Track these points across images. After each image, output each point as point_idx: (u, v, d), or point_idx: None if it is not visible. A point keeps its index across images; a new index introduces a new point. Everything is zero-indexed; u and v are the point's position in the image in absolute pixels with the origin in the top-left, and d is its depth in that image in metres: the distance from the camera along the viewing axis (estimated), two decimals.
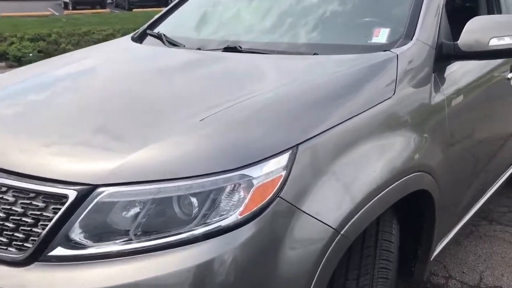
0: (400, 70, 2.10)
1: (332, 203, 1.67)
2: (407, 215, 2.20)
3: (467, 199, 2.83)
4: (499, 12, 3.16)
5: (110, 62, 2.77)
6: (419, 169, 2.05)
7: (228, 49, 2.53)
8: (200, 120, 1.73)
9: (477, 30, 2.32)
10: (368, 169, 1.80)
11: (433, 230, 2.27)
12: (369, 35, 2.37)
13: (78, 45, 11.32)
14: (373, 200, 1.78)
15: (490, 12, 3.17)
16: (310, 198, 1.63)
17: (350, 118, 1.83)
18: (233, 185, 1.56)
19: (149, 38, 3.06)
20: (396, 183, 1.89)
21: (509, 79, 3.04)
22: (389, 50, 2.21)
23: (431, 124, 2.21)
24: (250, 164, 1.58)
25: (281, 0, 2.87)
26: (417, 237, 2.30)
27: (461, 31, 2.33)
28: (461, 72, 2.53)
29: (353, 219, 1.70)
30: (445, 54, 2.36)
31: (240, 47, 2.48)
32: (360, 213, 1.73)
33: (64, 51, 10.13)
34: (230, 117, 1.76)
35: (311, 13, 2.66)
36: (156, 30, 3.11)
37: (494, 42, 2.30)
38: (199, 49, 2.64)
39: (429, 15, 2.37)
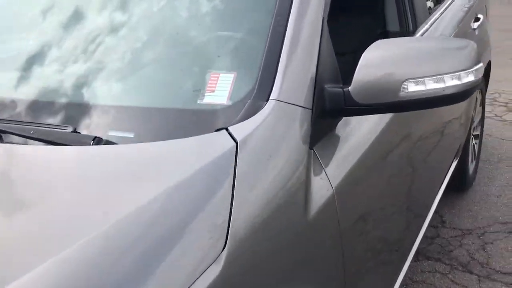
0: (239, 183, 1.11)
1: None
2: None
3: None
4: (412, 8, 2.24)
5: None
6: None
7: None
8: None
9: (380, 67, 1.36)
10: None
11: None
12: (201, 88, 1.36)
13: None
14: None
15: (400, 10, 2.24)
16: None
17: None
18: None
19: None
20: None
21: None
22: (226, 130, 1.22)
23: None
24: None
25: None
26: None
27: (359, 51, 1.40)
28: (363, 132, 1.59)
29: None
30: (330, 112, 1.41)
31: None
32: None
33: None
34: None
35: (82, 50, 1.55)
36: None
37: (412, 88, 1.36)
38: None
39: (300, 50, 1.39)
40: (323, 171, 1.35)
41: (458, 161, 3.19)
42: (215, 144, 1.16)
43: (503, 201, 3.51)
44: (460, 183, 3.50)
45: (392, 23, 2.32)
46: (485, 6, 3.56)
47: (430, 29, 2.34)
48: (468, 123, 3.24)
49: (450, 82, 1.35)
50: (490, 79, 3.94)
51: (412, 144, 2.11)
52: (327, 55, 1.46)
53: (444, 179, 2.93)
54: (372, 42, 2.40)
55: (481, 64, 1.39)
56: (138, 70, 1.45)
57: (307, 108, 1.33)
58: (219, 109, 1.29)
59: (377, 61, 1.37)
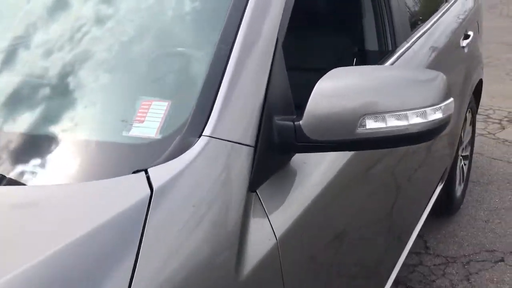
0: (148, 242, 0.92)
1: None
2: None
3: None
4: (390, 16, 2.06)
5: None
6: None
7: None
8: None
9: (335, 99, 1.19)
10: None
11: None
12: (129, 117, 1.18)
13: None
14: None
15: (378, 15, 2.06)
16: None
17: None
18: None
19: None
20: None
21: None
22: (145, 172, 1.04)
23: None
24: None
25: None
26: None
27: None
28: (324, 164, 1.41)
29: None
30: (279, 148, 1.23)
31: None
32: None
33: None
34: None
35: None
36: None
37: (371, 125, 1.19)
38: None
39: (245, 76, 1.21)
40: (266, 217, 1.18)
41: (444, 184, 3.02)
42: (129, 190, 0.99)
43: (491, 227, 3.33)
44: (446, 207, 3.32)
45: (371, 41, 2.15)
46: (477, 21, 3.38)
47: (412, 48, 2.17)
48: (455, 144, 3.07)
49: (415, 120, 1.18)
50: (485, 95, 3.77)
51: (388, 168, 1.94)
52: (279, 82, 1.29)
53: (427, 203, 2.76)
54: (349, 61, 2.23)
55: (451, 100, 1.22)
56: (62, 93, 1.27)
57: (248, 146, 1.16)
58: (143, 145, 1.12)
59: (332, 92, 1.19)
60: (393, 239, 2.19)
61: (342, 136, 1.20)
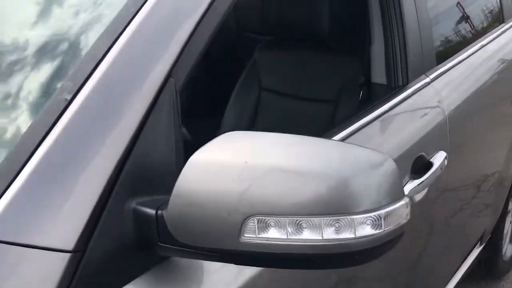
0: None
1: None
2: None
3: None
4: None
5: None
6: None
7: None
8: None
9: (212, 185, 0.75)
10: None
11: None
12: None
13: None
14: None
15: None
16: None
17: None
18: None
19: None
20: None
21: None
22: None
23: None
24: None
25: None
26: None
27: None
28: None
29: None
30: (137, 246, 0.82)
31: None
32: None
33: None
34: None
35: None
36: None
37: (264, 233, 0.74)
38: None
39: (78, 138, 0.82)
40: None
41: (484, 245, 2.46)
42: None
43: None
44: (490, 271, 2.74)
45: (378, 73, 1.66)
46: None
47: (432, 84, 1.67)
48: (503, 194, 2.50)
49: (330, 234, 0.72)
50: None
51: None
52: (155, 145, 0.86)
53: (459, 268, 2.23)
54: (355, 93, 1.76)
55: (401, 203, 0.75)
56: None
57: (65, 251, 0.74)
58: None
59: (209, 172, 0.76)
60: None
61: (220, 245, 0.76)
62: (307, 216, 0.71)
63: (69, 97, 0.84)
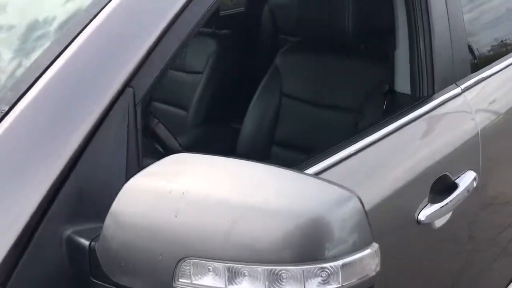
0: None
1: None
2: None
3: None
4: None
5: None
6: None
7: None
8: None
9: (147, 219, 0.64)
10: None
11: None
12: None
13: None
14: None
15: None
16: None
17: None
18: None
19: None
20: None
21: None
22: None
23: None
24: None
25: None
26: None
27: None
28: None
29: None
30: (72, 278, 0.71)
31: None
32: None
33: None
34: None
35: None
36: None
37: (198, 279, 0.62)
38: None
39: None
40: None
41: None
42: None
43: None
44: None
45: (402, 81, 1.51)
46: None
47: (463, 94, 1.50)
48: None
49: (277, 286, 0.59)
50: None
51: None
52: (102, 162, 0.76)
53: None
54: (379, 101, 1.64)
55: (367, 252, 0.61)
56: None
57: None
58: None
59: (141, 202, 0.65)
60: None
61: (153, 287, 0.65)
62: (246, 264, 0.59)
63: (6, 108, 0.75)
